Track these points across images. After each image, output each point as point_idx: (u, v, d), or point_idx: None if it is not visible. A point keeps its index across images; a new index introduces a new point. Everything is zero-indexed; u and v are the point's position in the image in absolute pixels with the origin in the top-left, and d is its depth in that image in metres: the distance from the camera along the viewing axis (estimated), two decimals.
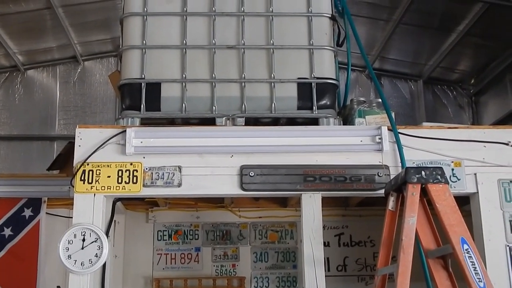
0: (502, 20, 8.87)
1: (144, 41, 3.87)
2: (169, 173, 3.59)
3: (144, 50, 3.85)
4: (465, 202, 3.71)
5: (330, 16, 4.02)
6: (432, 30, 9.81)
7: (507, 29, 9.11)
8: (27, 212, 4.72)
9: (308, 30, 3.93)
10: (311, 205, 3.61)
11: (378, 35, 10.21)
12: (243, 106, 3.80)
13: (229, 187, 3.62)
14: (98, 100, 11.11)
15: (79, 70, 11.29)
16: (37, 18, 9.67)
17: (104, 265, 3.53)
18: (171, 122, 3.85)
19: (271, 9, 3.95)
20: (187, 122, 3.84)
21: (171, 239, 5.12)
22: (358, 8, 9.34)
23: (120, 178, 3.57)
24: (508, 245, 3.57)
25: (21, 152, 10.84)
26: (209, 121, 3.78)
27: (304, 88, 3.85)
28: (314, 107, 3.81)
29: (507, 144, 3.69)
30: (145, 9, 3.93)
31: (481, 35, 9.54)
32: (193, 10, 3.95)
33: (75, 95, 11.16)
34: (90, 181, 3.56)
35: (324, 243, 3.67)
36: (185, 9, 3.94)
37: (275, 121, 3.87)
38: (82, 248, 3.46)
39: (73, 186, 3.58)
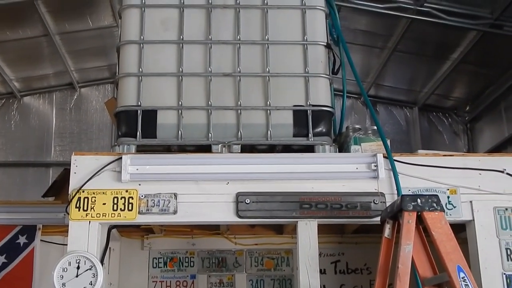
0: (496, 48, 8.95)
1: (140, 69, 3.89)
2: (164, 200, 3.58)
3: (140, 77, 3.87)
4: (461, 229, 3.71)
5: (325, 44, 4.05)
6: (427, 57, 9.89)
7: (501, 57, 9.19)
8: (22, 239, 4.69)
9: (303, 58, 3.96)
10: (307, 232, 3.60)
11: (373, 63, 10.28)
12: (239, 133, 3.80)
13: (225, 214, 3.60)
14: (94, 127, 11.12)
15: (75, 97, 11.33)
16: (34, 45, 9.72)
17: None
18: (167, 149, 3.85)
19: (266, 37, 3.98)
20: (183, 149, 3.84)
21: (166, 267, 5.08)
22: (354, 35, 9.43)
23: (115, 205, 3.56)
24: (504, 273, 3.55)
25: (16, 179, 10.81)
26: (205, 148, 3.79)
27: (299, 116, 3.87)
28: (309, 134, 3.82)
29: (502, 172, 3.70)
30: (142, 37, 3.95)
31: (475, 63, 9.62)
32: (189, 38, 3.98)
33: (71, 121, 11.17)
34: (85, 208, 3.54)
35: (320, 270, 3.66)
36: (181, 37, 3.97)
37: (271, 148, 3.88)
38: (77, 276, 3.42)
39: (68, 213, 3.57)
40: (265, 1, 4.06)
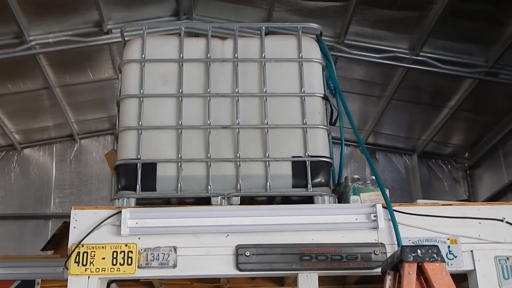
0: (492, 95, 9.06)
1: (140, 122, 3.93)
2: (164, 254, 3.56)
3: (140, 131, 3.90)
4: (463, 279, 3.68)
5: (322, 96, 4.10)
6: (424, 105, 9.98)
7: (497, 104, 9.29)
8: None
9: (301, 109, 3.99)
10: (308, 284, 3.56)
11: (371, 111, 10.37)
12: (238, 185, 3.81)
13: (225, 268, 3.58)
14: (94, 178, 11.12)
15: (75, 148, 11.36)
16: (35, 98, 9.82)
17: None
18: (166, 202, 3.85)
19: (264, 89, 4.04)
20: (182, 201, 3.84)
21: None
22: (351, 85, 9.53)
23: (114, 260, 3.54)
24: None
25: (15, 231, 10.74)
26: (205, 201, 3.79)
27: (298, 167, 3.88)
28: (309, 185, 3.82)
29: (501, 221, 3.70)
30: (142, 91, 4.01)
31: (472, 110, 9.71)
32: (188, 91, 4.03)
33: (71, 173, 11.18)
34: (84, 263, 3.52)
35: None
36: (180, 90, 4.02)
37: (270, 200, 3.88)
38: None
39: (67, 268, 3.54)
40: (263, 55, 4.13)
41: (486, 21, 7.68)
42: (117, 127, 4.05)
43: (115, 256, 3.54)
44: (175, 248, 3.58)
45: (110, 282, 3.79)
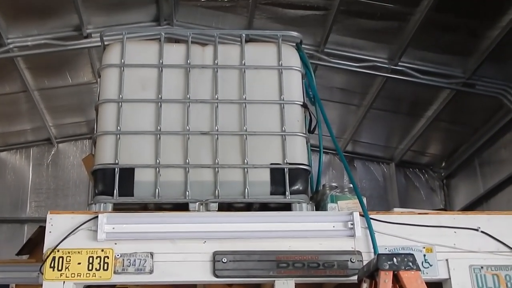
0: (468, 106, 9.17)
1: (118, 127, 3.91)
2: (140, 259, 3.55)
3: (118, 136, 3.89)
4: (438, 287, 3.72)
5: (301, 103, 4.12)
6: (402, 115, 10.08)
7: (474, 115, 9.41)
8: None
9: (280, 117, 4.01)
10: None
11: (350, 119, 10.44)
12: (216, 191, 3.81)
13: (202, 274, 3.57)
14: (71, 183, 11.04)
15: (52, 152, 11.27)
16: (12, 101, 9.74)
17: None
18: (144, 207, 3.83)
19: (244, 96, 4.05)
20: (160, 207, 3.82)
21: None
22: (330, 93, 9.59)
23: (90, 265, 3.51)
24: None
25: None
26: (183, 206, 3.78)
27: (276, 174, 3.89)
28: (287, 193, 3.83)
29: (476, 230, 3.74)
30: (120, 96, 3.99)
31: (449, 120, 9.83)
32: (167, 97, 4.02)
33: (48, 177, 11.09)
34: (59, 268, 3.49)
35: None
36: (159, 96, 4.01)
37: (248, 206, 3.88)
38: None
39: (42, 273, 3.51)
40: (243, 62, 4.14)
41: (464, 33, 7.79)
42: (95, 132, 4.03)
43: (91, 261, 3.52)
44: (151, 254, 3.57)
45: (85, 287, 3.76)
